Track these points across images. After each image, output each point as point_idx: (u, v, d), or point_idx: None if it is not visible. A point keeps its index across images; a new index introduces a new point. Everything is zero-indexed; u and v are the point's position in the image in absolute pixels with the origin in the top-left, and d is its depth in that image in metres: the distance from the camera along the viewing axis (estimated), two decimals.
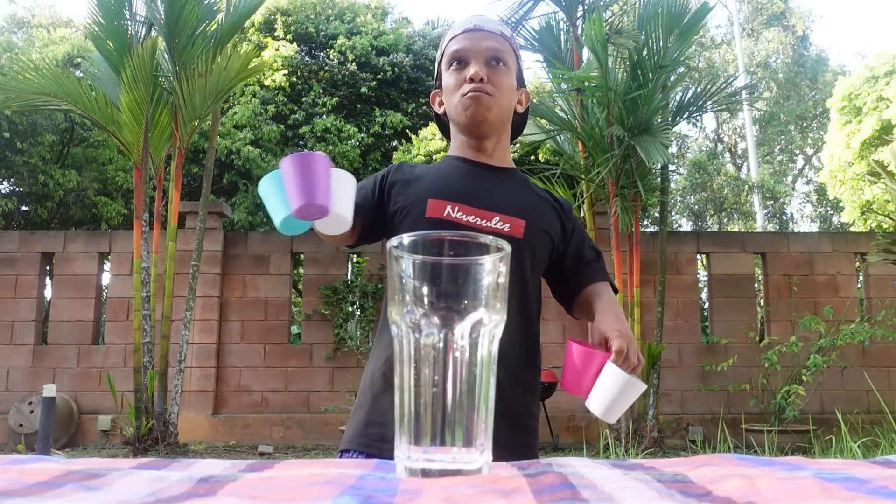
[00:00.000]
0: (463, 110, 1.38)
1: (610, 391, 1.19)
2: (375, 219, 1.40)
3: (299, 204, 0.99)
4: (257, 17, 11.23)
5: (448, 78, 1.42)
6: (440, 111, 1.48)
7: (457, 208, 1.35)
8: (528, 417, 1.32)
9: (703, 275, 9.08)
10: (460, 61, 1.40)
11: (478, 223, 1.34)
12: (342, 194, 1.05)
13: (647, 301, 7.20)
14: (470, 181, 1.41)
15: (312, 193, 0.99)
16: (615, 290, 1.46)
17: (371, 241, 1.42)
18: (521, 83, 1.48)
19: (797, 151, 19.48)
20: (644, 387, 1.19)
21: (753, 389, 7.34)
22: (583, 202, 6.99)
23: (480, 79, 1.36)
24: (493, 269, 0.57)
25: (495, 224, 1.34)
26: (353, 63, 11.06)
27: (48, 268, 8.17)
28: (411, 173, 1.46)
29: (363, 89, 10.91)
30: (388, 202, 1.42)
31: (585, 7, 6.73)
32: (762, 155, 18.29)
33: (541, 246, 1.39)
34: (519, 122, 1.52)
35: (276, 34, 11.47)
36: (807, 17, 20.21)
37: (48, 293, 8.42)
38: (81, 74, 8.81)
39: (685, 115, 7.08)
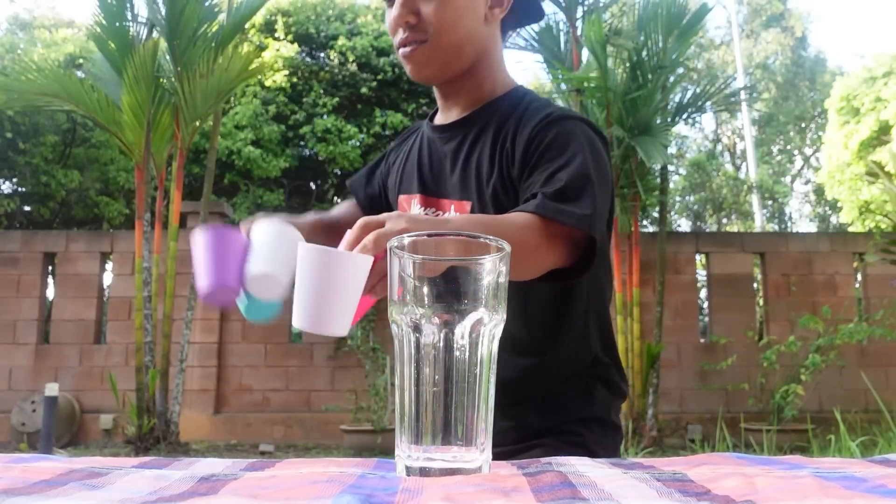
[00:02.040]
0: (406, 68, 1.13)
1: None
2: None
3: (204, 291, 0.83)
4: (258, 18, 11.22)
5: (386, 16, 1.15)
6: None
7: (419, 203, 1.16)
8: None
9: (702, 274, 9.08)
10: None
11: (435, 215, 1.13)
12: (265, 253, 0.84)
13: (646, 301, 7.19)
14: (432, 160, 1.19)
15: (215, 276, 0.82)
16: (588, 240, 0.95)
17: None
18: None
19: (796, 152, 19.47)
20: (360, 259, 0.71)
21: (752, 389, 7.34)
22: None
23: (405, 23, 1.08)
24: (493, 269, 0.58)
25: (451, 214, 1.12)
26: (354, 63, 11.05)
27: (50, 267, 8.17)
28: (396, 156, 1.30)
29: (364, 90, 10.91)
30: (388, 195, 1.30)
31: (585, 8, 6.73)
32: (761, 155, 18.28)
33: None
34: (521, 9, 1.17)
35: (276, 35, 11.45)
36: (805, 19, 20.21)
37: (50, 293, 8.41)
38: (83, 75, 8.81)
39: (684, 116, 7.08)
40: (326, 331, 0.73)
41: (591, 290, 1.12)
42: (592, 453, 1.00)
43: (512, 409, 1.07)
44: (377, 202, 1.32)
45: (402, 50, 1.10)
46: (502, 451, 1.04)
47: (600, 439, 1.10)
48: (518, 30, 1.37)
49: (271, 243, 0.85)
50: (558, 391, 1.10)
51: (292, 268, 0.77)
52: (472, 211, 1.09)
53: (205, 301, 0.85)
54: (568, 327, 1.10)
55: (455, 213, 1.11)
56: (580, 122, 1.07)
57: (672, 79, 6.69)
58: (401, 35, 1.10)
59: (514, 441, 1.10)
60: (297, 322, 0.74)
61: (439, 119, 1.22)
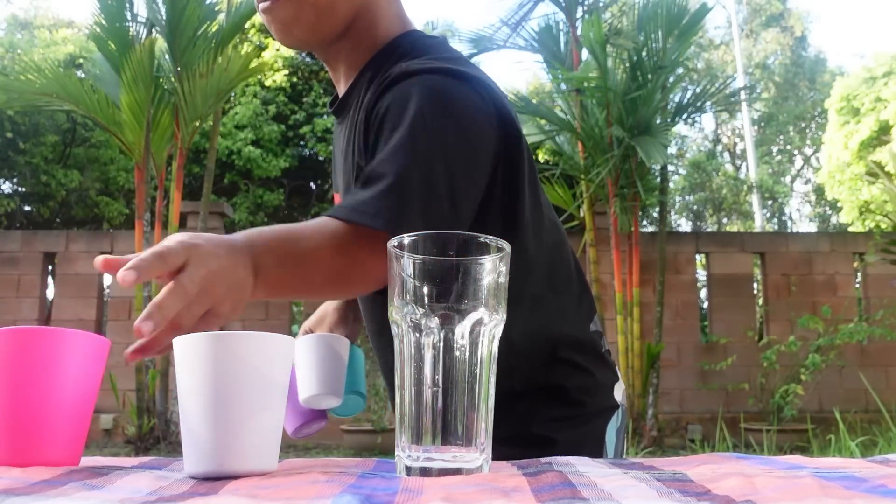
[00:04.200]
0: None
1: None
2: None
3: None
4: (258, 18, 11.22)
5: None
6: None
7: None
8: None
9: (702, 274, 9.08)
10: None
11: None
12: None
13: (646, 301, 7.19)
14: (335, 150, 1.04)
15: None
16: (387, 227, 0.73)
17: None
18: None
19: (796, 152, 19.47)
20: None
21: (752, 389, 7.34)
22: (582, 202, 6.99)
23: None
24: (493, 269, 0.58)
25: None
26: None
27: (50, 267, 8.17)
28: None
29: None
30: None
31: (585, 8, 6.74)
32: (761, 155, 18.29)
33: None
34: None
35: None
36: (805, 19, 20.22)
37: (50, 293, 8.41)
38: (83, 75, 8.82)
39: (684, 116, 7.09)
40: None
41: (534, 275, 0.92)
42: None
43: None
44: None
45: (262, 5, 0.91)
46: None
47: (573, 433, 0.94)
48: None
49: (312, 361, 0.85)
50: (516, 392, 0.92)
51: (340, 374, 0.78)
52: (343, 193, 0.94)
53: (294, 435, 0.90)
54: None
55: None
56: (427, 74, 0.84)
57: (672, 79, 6.69)
58: None
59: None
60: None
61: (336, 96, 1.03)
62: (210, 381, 0.55)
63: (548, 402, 0.94)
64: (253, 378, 0.55)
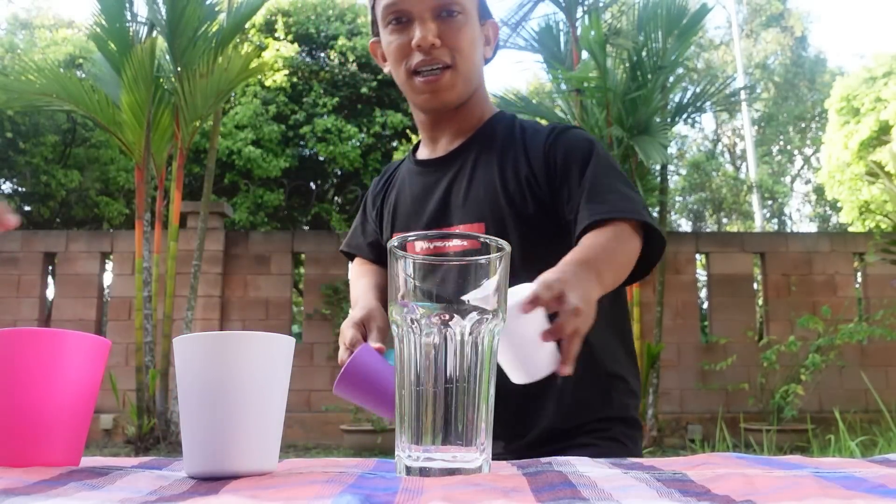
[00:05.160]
0: (416, 95, 1.12)
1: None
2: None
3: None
4: (258, 18, 11.22)
5: (388, 38, 1.12)
6: (387, 70, 1.19)
7: (418, 240, 1.06)
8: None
9: (702, 274, 9.08)
10: (400, 19, 1.10)
11: (444, 249, 1.08)
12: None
13: (646, 301, 7.20)
14: (428, 191, 1.18)
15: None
16: (653, 231, 1.02)
17: None
18: (485, 15, 1.16)
19: (796, 152, 19.47)
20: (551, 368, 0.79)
21: (752, 389, 7.34)
22: None
23: (431, 45, 1.07)
24: (493, 269, 0.58)
25: (455, 244, 1.06)
26: (354, 63, 11.05)
27: (50, 267, 8.17)
28: (380, 197, 1.29)
29: (364, 90, 10.91)
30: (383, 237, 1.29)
31: (585, 8, 6.73)
32: (761, 155, 18.29)
33: (522, 235, 1.08)
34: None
35: (276, 35, 11.46)
36: (805, 19, 20.22)
37: (50, 293, 8.41)
38: (83, 75, 8.82)
39: (684, 116, 7.08)
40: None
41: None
42: (623, 446, 1.10)
43: (538, 414, 1.10)
44: (381, 247, 1.32)
45: (422, 75, 1.09)
46: (532, 453, 1.02)
47: (626, 432, 1.13)
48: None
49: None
50: (581, 394, 1.11)
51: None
52: (488, 230, 1.10)
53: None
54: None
55: (465, 240, 1.04)
56: (580, 130, 1.16)
57: (672, 79, 6.69)
58: (417, 58, 1.09)
59: (542, 443, 1.09)
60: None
61: (425, 153, 1.23)
62: (210, 382, 0.55)
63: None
64: (253, 378, 0.55)
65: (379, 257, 1.32)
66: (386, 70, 1.19)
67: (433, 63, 1.08)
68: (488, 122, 1.19)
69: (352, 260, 1.39)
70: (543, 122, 1.34)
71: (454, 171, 1.16)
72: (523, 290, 0.78)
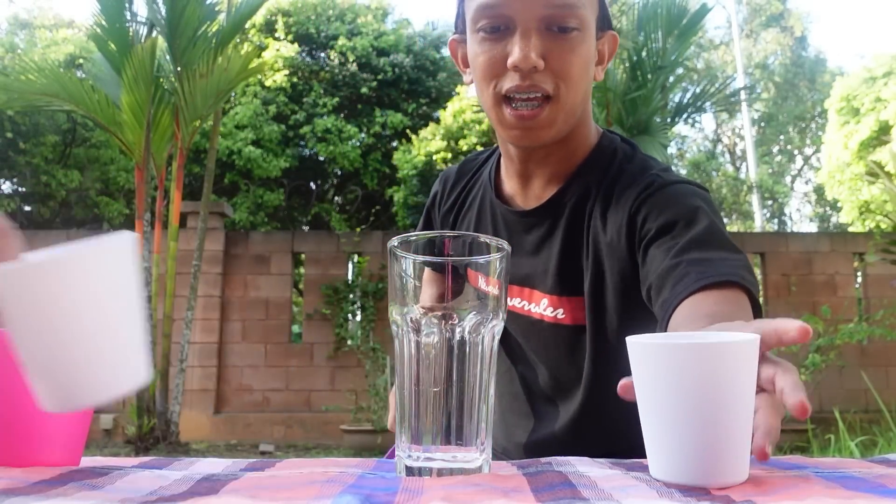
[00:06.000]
0: (505, 130, 0.92)
1: None
2: None
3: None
4: (258, 18, 11.22)
5: (477, 48, 0.90)
6: (467, 80, 0.97)
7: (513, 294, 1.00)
8: None
9: None
10: (496, 27, 0.88)
11: (526, 309, 0.98)
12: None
13: None
14: (513, 247, 0.97)
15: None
16: (754, 302, 0.82)
17: None
18: (605, 25, 0.96)
19: (796, 152, 19.48)
20: None
21: None
22: None
23: (532, 67, 0.86)
24: (493, 269, 0.58)
25: (545, 311, 0.96)
26: (354, 63, 11.05)
27: None
28: (452, 214, 1.11)
29: (364, 90, 10.91)
30: None
31: None
32: (761, 155, 18.29)
33: (624, 317, 0.92)
34: None
35: (276, 35, 11.46)
36: (805, 19, 20.23)
37: None
38: (83, 75, 8.82)
39: (684, 116, 7.08)
40: None
41: None
42: None
43: (578, 442, 0.99)
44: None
45: (514, 106, 0.88)
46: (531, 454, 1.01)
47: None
48: None
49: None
50: (619, 419, 0.98)
51: None
52: (590, 302, 0.94)
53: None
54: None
55: (558, 309, 0.95)
56: (682, 184, 0.92)
57: (672, 79, 6.69)
58: (511, 82, 0.88)
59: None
60: None
61: (513, 187, 1.03)
62: (45, 314, 0.49)
63: None
64: (97, 298, 0.50)
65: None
66: (466, 79, 0.97)
67: (531, 90, 0.87)
68: (587, 163, 0.98)
69: None
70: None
71: (545, 230, 0.98)
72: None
